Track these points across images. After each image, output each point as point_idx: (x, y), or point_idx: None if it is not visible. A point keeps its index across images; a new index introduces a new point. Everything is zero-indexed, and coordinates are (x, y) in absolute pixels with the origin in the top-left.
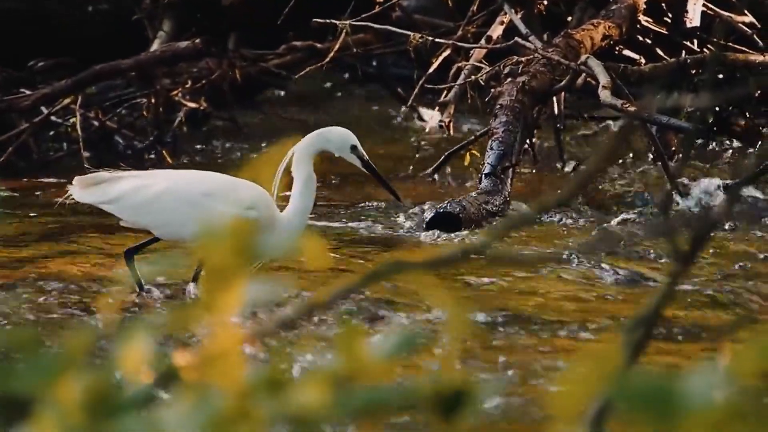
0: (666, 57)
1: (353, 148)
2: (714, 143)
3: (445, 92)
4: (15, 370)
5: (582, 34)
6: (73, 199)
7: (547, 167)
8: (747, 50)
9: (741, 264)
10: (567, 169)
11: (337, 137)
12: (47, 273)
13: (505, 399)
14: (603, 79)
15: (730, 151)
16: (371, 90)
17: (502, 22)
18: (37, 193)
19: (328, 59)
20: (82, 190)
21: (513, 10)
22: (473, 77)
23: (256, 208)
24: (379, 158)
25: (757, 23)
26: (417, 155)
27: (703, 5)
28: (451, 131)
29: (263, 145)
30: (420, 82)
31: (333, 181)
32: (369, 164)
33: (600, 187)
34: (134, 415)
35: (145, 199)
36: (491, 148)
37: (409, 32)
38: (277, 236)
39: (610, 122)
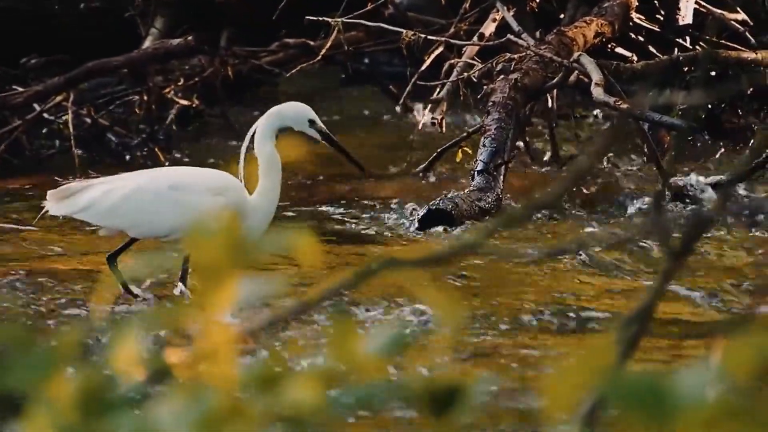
0: (658, 54)
1: (311, 122)
2: (708, 140)
3: (438, 89)
4: (7, 367)
5: (574, 32)
6: (48, 213)
7: (540, 164)
8: (739, 47)
9: (733, 261)
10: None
11: (293, 112)
12: (39, 270)
13: (499, 395)
14: (595, 76)
15: (723, 148)
16: (364, 87)
17: (494, 20)
18: (29, 190)
19: (320, 57)
20: (55, 203)
21: (505, 8)
22: (465, 74)
23: (223, 194)
24: (372, 155)
25: (749, 20)
26: (410, 152)
27: (696, 2)
28: (444, 128)
29: None
30: (412, 80)
31: (324, 179)
32: (329, 136)
33: (592, 184)
34: (126, 412)
35: (115, 202)
36: (484, 145)
37: (401, 30)
38: (250, 220)
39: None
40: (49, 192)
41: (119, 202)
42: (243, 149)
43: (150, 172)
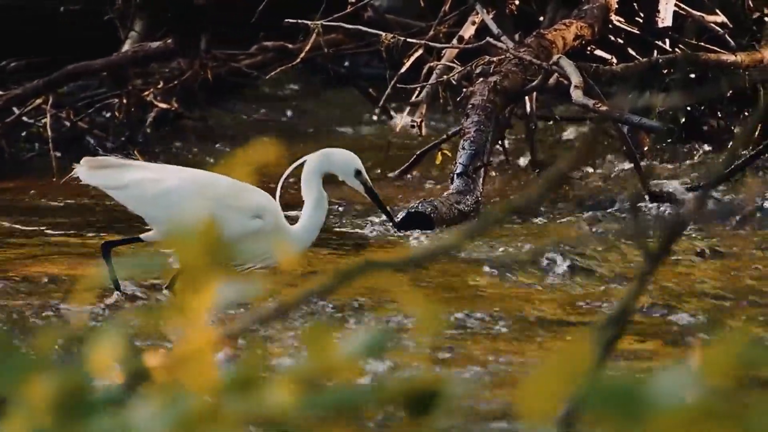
0: (638, 57)
1: (357, 173)
2: (687, 143)
3: (417, 92)
4: None
5: (554, 34)
6: (78, 178)
7: (519, 167)
8: (719, 50)
9: (711, 263)
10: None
11: (341, 161)
12: (18, 273)
13: (476, 398)
14: (575, 78)
15: (701, 151)
16: (343, 90)
17: (473, 22)
18: (7, 193)
19: (299, 59)
20: (89, 171)
21: (485, 10)
22: (445, 77)
23: (262, 216)
24: None
25: (728, 23)
26: (388, 155)
27: (675, 5)
28: (423, 131)
29: (235, 145)
30: (392, 82)
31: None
32: (371, 190)
33: (572, 186)
34: (105, 415)
35: (155, 193)
36: (463, 148)
37: (380, 32)
38: (284, 247)
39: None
40: (84, 158)
41: (160, 194)
42: (283, 177)
43: (197, 173)
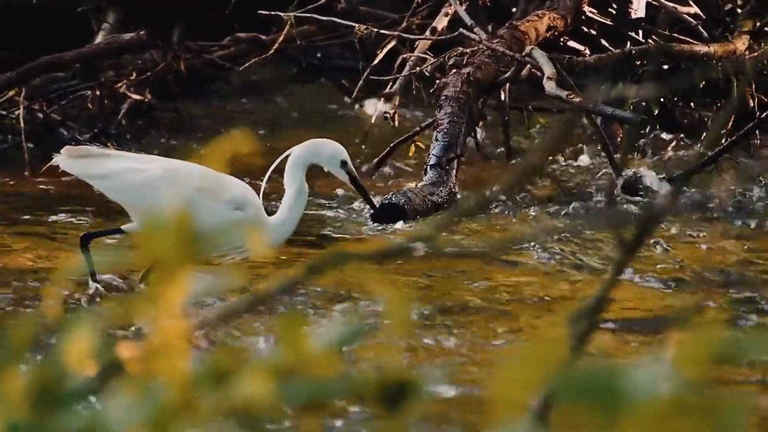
0: (611, 48)
1: (343, 163)
2: (660, 134)
3: (390, 84)
4: None
5: (527, 26)
6: (54, 169)
7: (492, 158)
8: (692, 41)
9: (685, 255)
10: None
11: (328, 152)
12: None
13: (450, 390)
14: (548, 70)
15: (675, 142)
16: (317, 82)
17: (446, 14)
18: None
19: (272, 51)
20: (69, 160)
21: (458, 2)
22: (418, 69)
23: (242, 207)
24: None
25: (701, 14)
26: (363, 147)
27: None
28: (396, 123)
29: (209, 136)
30: (365, 74)
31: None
32: (356, 181)
33: (544, 177)
34: (78, 407)
35: (136, 183)
36: (436, 140)
37: (354, 24)
38: (262, 239)
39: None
40: (65, 147)
41: (138, 185)
42: (270, 169)
43: (179, 164)
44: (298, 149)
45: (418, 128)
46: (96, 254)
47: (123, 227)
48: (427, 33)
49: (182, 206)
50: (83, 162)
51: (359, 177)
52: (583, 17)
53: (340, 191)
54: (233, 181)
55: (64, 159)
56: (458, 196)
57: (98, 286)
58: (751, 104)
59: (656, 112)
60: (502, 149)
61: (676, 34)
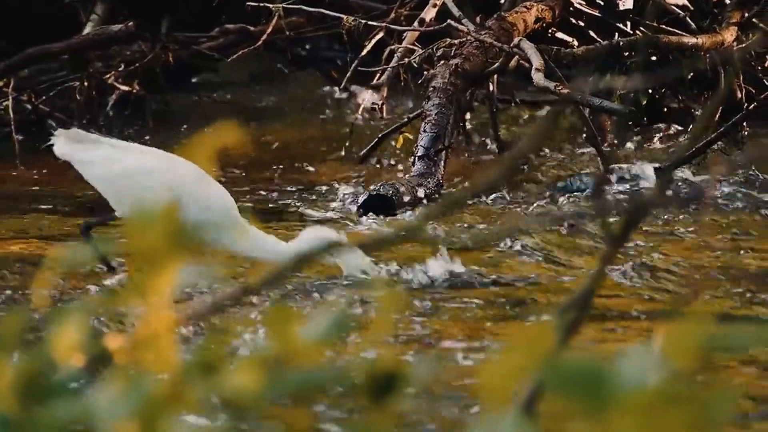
0: (599, 39)
1: (364, 273)
2: (648, 125)
3: (378, 75)
4: None
5: (515, 17)
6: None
7: (480, 150)
8: (680, 32)
9: (674, 246)
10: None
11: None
12: None
13: (438, 382)
14: (536, 61)
15: (663, 133)
16: (306, 73)
17: (434, 5)
18: None
19: (260, 42)
20: (64, 143)
21: None
22: (406, 60)
23: (216, 209)
24: (314, 141)
25: (689, 6)
26: (350, 138)
27: None
28: (384, 114)
29: (197, 128)
30: (353, 65)
31: (264, 165)
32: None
33: (533, 168)
34: (66, 398)
35: (118, 172)
36: (424, 131)
37: (342, 15)
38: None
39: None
40: (59, 130)
41: (118, 175)
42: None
43: (163, 156)
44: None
45: (406, 119)
46: (89, 242)
47: (118, 212)
48: (415, 24)
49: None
50: (76, 147)
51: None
52: (571, 9)
53: (327, 181)
54: (214, 183)
55: (60, 141)
56: (446, 187)
57: (113, 269)
58: (739, 95)
59: (644, 103)
60: (491, 141)
61: (664, 26)
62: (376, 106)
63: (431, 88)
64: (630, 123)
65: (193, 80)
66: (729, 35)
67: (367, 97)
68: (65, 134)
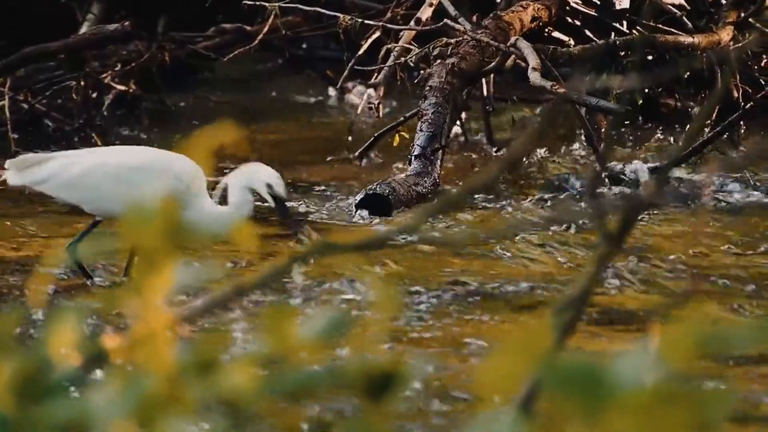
0: (595, 39)
1: (269, 186)
2: (645, 124)
3: (375, 74)
4: None
5: (511, 16)
6: (8, 183)
7: (476, 149)
8: (676, 32)
9: (671, 246)
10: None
11: (258, 176)
12: None
13: (435, 381)
14: (532, 60)
15: (660, 133)
16: (302, 72)
17: (431, 4)
18: None
19: (257, 42)
20: (15, 174)
21: None
22: (403, 59)
23: (182, 179)
24: (310, 140)
25: (686, 5)
26: (348, 137)
27: None
28: (381, 113)
29: (193, 127)
30: (350, 65)
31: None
32: (282, 205)
33: (529, 168)
34: (62, 398)
35: (75, 176)
36: (421, 130)
37: (338, 14)
38: (198, 219)
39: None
40: (8, 162)
41: (77, 177)
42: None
43: (111, 148)
44: (232, 178)
45: (402, 118)
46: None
47: (98, 216)
48: (412, 23)
49: (118, 188)
50: (27, 172)
51: (288, 202)
52: (567, 8)
53: (323, 180)
54: (176, 158)
55: (11, 173)
56: (442, 186)
57: (91, 278)
58: (736, 95)
59: (640, 102)
60: (486, 140)
61: (660, 25)
62: (373, 105)
63: (428, 88)
64: (626, 122)
65: (190, 80)
66: (725, 35)
67: (364, 97)
68: (13, 164)
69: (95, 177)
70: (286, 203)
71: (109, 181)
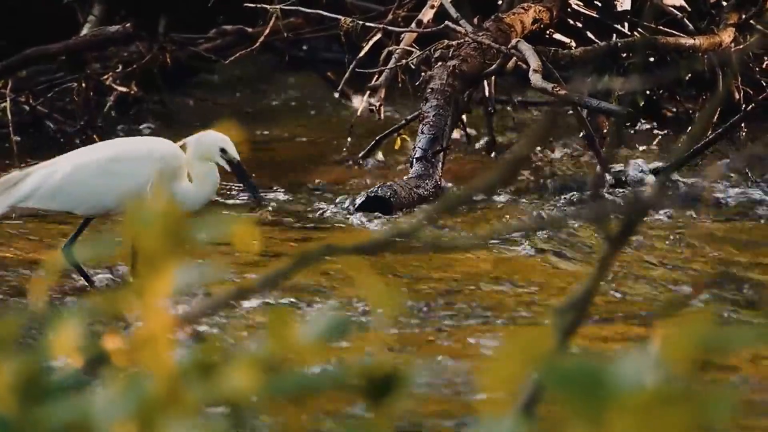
0: (597, 40)
1: (222, 151)
2: (646, 126)
3: (376, 76)
4: None
5: (512, 18)
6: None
7: (478, 151)
8: (677, 33)
9: (671, 248)
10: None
11: (207, 142)
12: None
13: (437, 383)
14: (533, 62)
15: (661, 135)
16: (303, 74)
17: (432, 6)
18: None
19: (258, 44)
20: None
21: None
22: (404, 61)
23: (164, 158)
24: (311, 143)
25: (687, 7)
26: (349, 140)
27: None
28: (382, 115)
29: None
30: (351, 67)
31: (261, 165)
32: (239, 168)
33: (531, 170)
34: (64, 400)
35: (57, 183)
36: (422, 132)
37: (339, 16)
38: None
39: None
40: None
41: (62, 183)
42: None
43: (87, 148)
44: (188, 153)
45: (403, 121)
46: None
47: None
48: (413, 26)
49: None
50: (9, 192)
51: (243, 165)
52: (569, 10)
53: (324, 182)
54: (146, 140)
55: None
56: (444, 188)
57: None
58: (737, 97)
59: (642, 104)
60: (487, 141)
61: (661, 27)
62: (374, 108)
63: (429, 90)
64: (628, 124)
65: (191, 81)
66: (727, 36)
67: (365, 99)
68: None
69: (78, 178)
70: (242, 165)
71: (93, 178)
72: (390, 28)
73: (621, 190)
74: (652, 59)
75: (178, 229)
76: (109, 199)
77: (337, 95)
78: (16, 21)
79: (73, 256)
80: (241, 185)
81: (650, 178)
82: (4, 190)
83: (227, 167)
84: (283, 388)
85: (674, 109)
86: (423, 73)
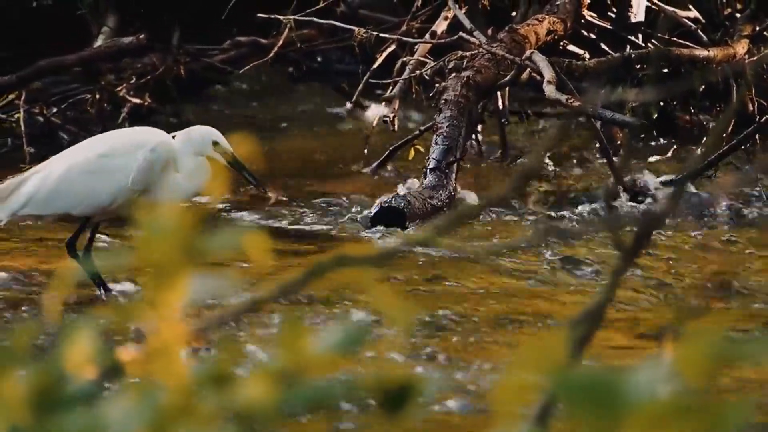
0: (610, 52)
1: (215, 143)
2: (660, 138)
3: (390, 87)
4: None
5: (527, 29)
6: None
7: (491, 162)
8: (691, 45)
9: (685, 259)
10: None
11: (197, 137)
12: None
13: (452, 393)
14: (547, 73)
15: (675, 146)
16: (317, 85)
17: (446, 17)
18: None
19: (272, 54)
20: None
21: (457, 5)
22: (418, 72)
23: (156, 148)
24: (325, 153)
25: (701, 18)
26: (364, 151)
27: (648, 0)
28: (396, 126)
29: None
30: (365, 78)
31: (275, 176)
32: (236, 160)
33: (544, 182)
34: (78, 410)
35: (52, 187)
36: (436, 143)
37: (353, 27)
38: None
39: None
40: None
41: (56, 186)
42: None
43: (81, 144)
44: (177, 142)
45: (417, 132)
46: (98, 258)
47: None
48: (427, 37)
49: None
50: (9, 201)
51: (240, 158)
52: (582, 21)
53: (338, 192)
54: (135, 131)
55: None
56: (457, 199)
57: (105, 290)
58: (751, 108)
59: (656, 116)
60: (500, 152)
61: (675, 38)
62: (388, 119)
63: (443, 101)
64: (641, 135)
65: (205, 92)
66: (741, 48)
67: (379, 110)
68: None
69: (70, 179)
70: (237, 157)
71: (85, 177)
72: (404, 39)
73: (634, 202)
74: (665, 71)
75: (191, 241)
76: (103, 197)
77: (350, 106)
78: (30, 32)
79: (75, 252)
80: (243, 181)
81: (663, 190)
82: (4, 199)
83: (222, 159)
84: (299, 400)
85: (688, 121)
86: (437, 84)
